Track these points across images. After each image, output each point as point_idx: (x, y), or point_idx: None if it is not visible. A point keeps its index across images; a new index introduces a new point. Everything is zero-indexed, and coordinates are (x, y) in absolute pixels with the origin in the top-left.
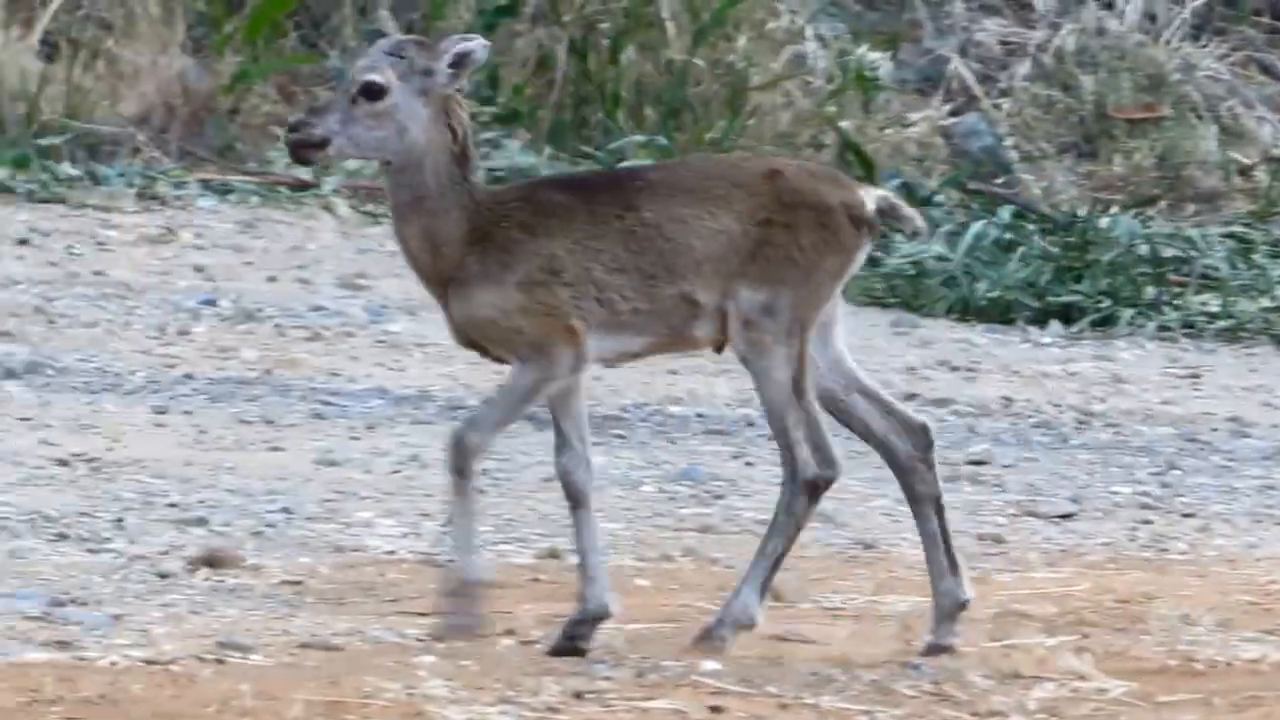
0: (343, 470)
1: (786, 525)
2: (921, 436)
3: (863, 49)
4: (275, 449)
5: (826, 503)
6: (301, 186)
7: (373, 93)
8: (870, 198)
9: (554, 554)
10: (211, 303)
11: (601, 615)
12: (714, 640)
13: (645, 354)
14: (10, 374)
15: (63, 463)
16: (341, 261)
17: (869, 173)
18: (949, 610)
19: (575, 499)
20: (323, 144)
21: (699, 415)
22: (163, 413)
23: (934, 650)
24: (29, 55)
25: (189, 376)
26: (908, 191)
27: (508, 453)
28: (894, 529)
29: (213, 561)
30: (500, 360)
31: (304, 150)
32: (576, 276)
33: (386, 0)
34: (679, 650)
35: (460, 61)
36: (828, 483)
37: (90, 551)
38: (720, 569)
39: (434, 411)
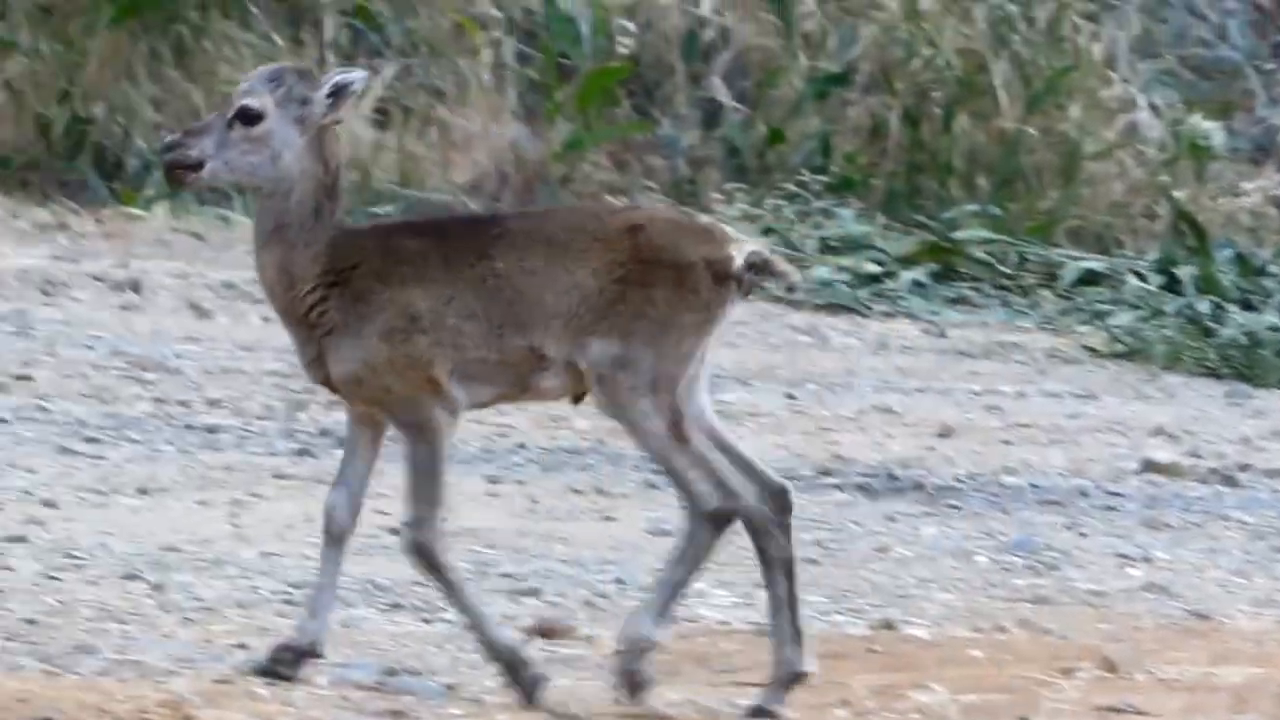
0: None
1: (692, 556)
2: (780, 499)
3: (1196, 118)
4: (608, 518)
5: (1160, 573)
6: None
7: (249, 118)
8: (739, 253)
9: (888, 625)
10: None
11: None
12: (624, 673)
13: (492, 404)
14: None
15: (396, 532)
16: None
17: (1201, 242)
18: (783, 679)
19: (332, 537)
20: (197, 166)
21: (1033, 485)
22: (496, 482)
23: (757, 713)
24: (362, 123)
25: (522, 446)
26: (1241, 261)
27: (839, 523)
28: (1229, 599)
29: (546, 632)
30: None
31: (179, 171)
32: (432, 323)
33: (718, 68)
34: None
35: (338, 92)
36: (731, 513)
37: (424, 621)
38: (1054, 640)
39: None
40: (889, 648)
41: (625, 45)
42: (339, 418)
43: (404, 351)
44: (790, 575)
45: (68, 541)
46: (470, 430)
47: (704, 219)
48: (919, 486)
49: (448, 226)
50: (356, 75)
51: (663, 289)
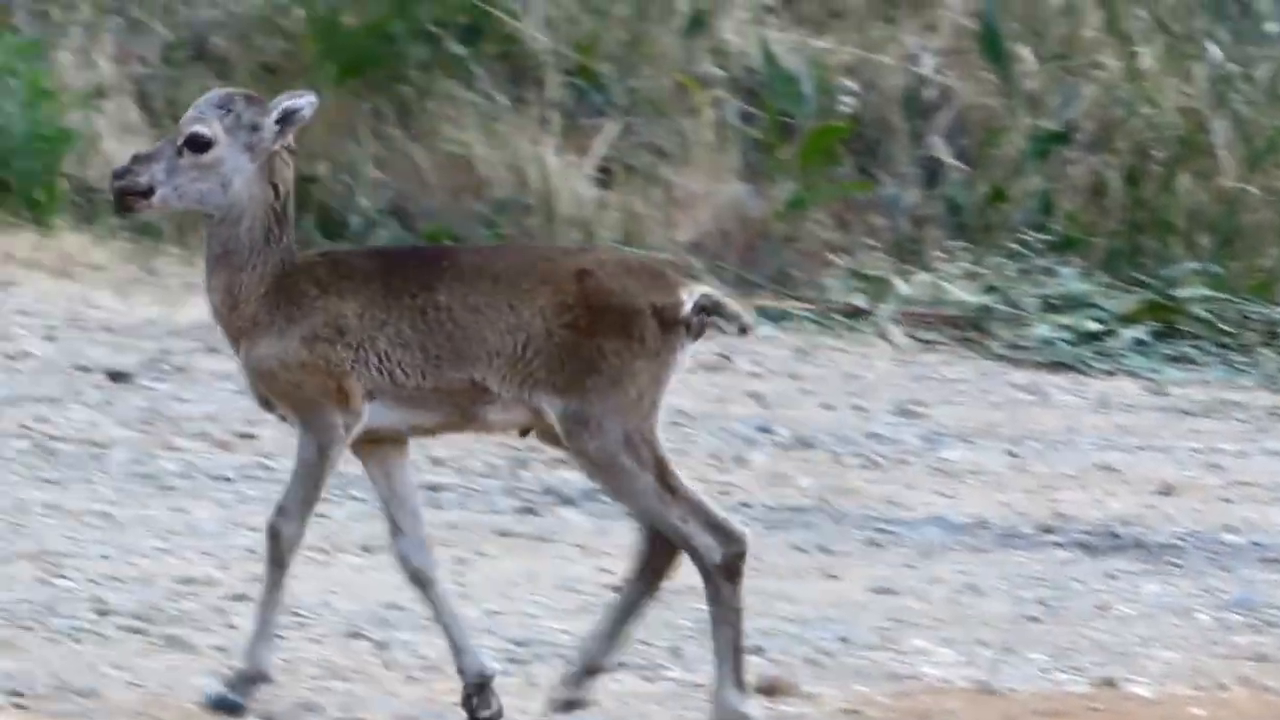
0: (898, 598)
1: (725, 615)
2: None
3: None
4: (831, 577)
5: None
6: (856, 313)
7: (199, 144)
8: (688, 296)
9: (1110, 683)
10: (767, 430)
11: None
12: None
13: (439, 431)
14: (568, 501)
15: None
16: (896, 388)
17: None
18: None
19: (418, 582)
20: (148, 193)
21: (1254, 543)
22: None
23: None
24: (584, 181)
25: (745, 504)
26: None
27: (1060, 581)
28: None
29: (770, 689)
30: (285, 419)
31: (129, 198)
32: (359, 341)
33: (939, 126)
34: None
35: (287, 118)
36: (738, 557)
37: (646, 679)
38: (1275, 698)
39: (990, 540)
40: (1111, 706)
41: (846, 104)
42: (563, 475)
43: (322, 356)
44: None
45: (291, 599)
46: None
47: (657, 261)
48: (1140, 544)
49: (398, 255)
50: (304, 101)
51: (612, 339)
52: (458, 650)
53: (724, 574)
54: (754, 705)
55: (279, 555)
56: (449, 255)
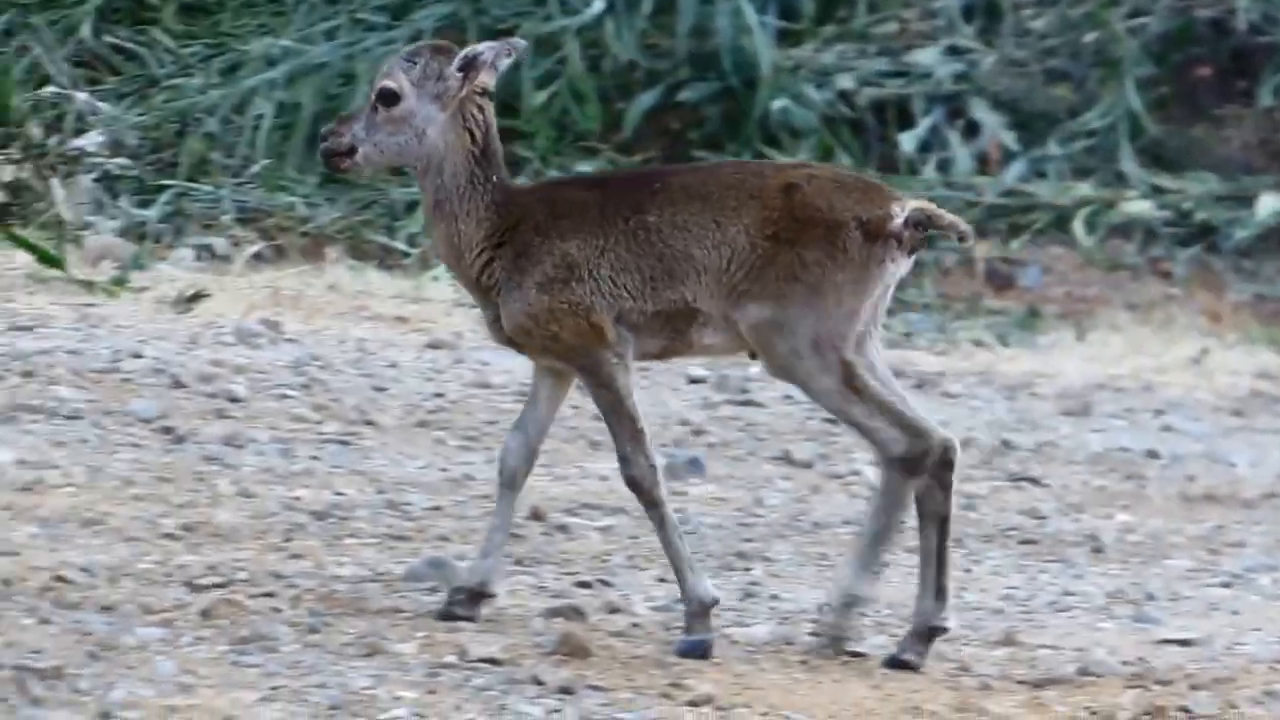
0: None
1: (888, 505)
2: (944, 455)
3: None
4: None
5: None
6: None
7: (389, 99)
8: (901, 210)
9: None
10: None
11: (481, 592)
12: (909, 654)
13: (661, 357)
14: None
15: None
16: None
17: None
18: (920, 632)
19: (507, 483)
20: (350, 151)
21: None
22: None
23: (893, 663)
24: None
25: None
26: None
27: None
28: None
29: None
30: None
31: (335, 159)
32: (589, 274)
33: None
34: None
35: (469, 64)
36: (923, 453)
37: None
38: None
39: None
40: None
41: None
42: None
43: (562, 299)
44: (943, 531)
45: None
46: None
47: (870, 178)
48: None
49: (609, 181)
50: (485, 47)
51: (813, 249)
52: (486, 552)
53: (903, 467)
54: (947, 616)
55: (650, 499)
56: (658, 177)
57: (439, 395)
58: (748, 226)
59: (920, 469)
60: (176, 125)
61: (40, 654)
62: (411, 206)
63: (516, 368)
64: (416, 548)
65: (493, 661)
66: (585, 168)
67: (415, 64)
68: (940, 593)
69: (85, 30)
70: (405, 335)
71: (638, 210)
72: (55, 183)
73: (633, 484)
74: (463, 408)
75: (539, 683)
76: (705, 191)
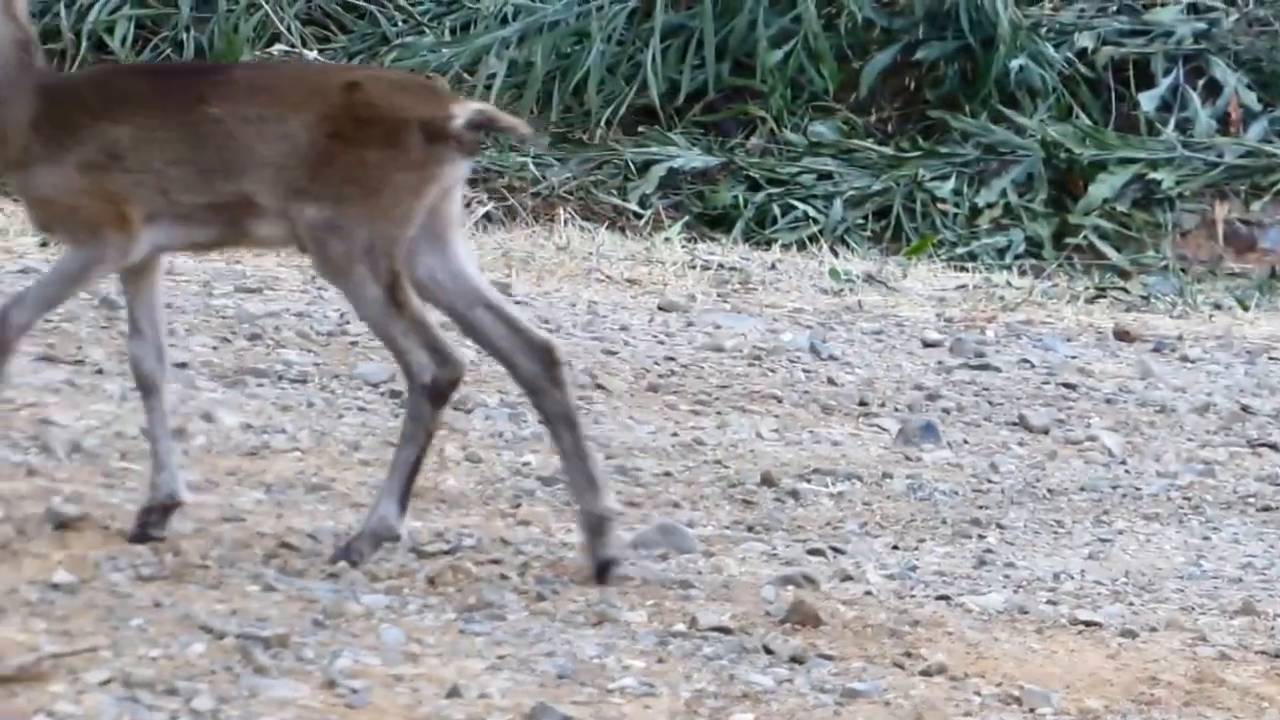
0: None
1: (416, 432)
2: (545, 354)
3: None
4: None
5: None
6: None
7: None
8: (462, 112)
9: None
10: None
11: (170, 503)
12: (352, 554)
13: (211, 247)
14: None
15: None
16: None
17: None
18: (593, 525)
19: (145, 387)
20: None
21: None
22: None
23: (603, 570)
24: None
25: None
26: None
27: None
28: None
29: None
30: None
31: None
32: (137, 164)
33: None
34: None
35: None
36: (450, 383)
37: None
38: None
39: None
40: None
41: None
42: None
43: (99, 183)
44: (573, 426)
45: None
46: None
47: (430, 79)
48: None
49: (168, 71)
50: None
51: (374, 149)
52: (157, 465)
53: (429, 394)
54: (402, 527)
55: (4, 339)
56: (220, 70)
57: (670, 359)
58: (308, 122)
59: (445, 399)
60: None
61: (265, 622)
62: (645, 168)
63: (749, 331)
64: (646, 514)
65: (723, 630)
66: (820, 128)
67: None
68: (594, 483)
69: None
70: (636, 298)
71: (200, 100)
72: None
73: (4, 321)
74: (694, 371)
75: (769, 651)
76: (267, 85)
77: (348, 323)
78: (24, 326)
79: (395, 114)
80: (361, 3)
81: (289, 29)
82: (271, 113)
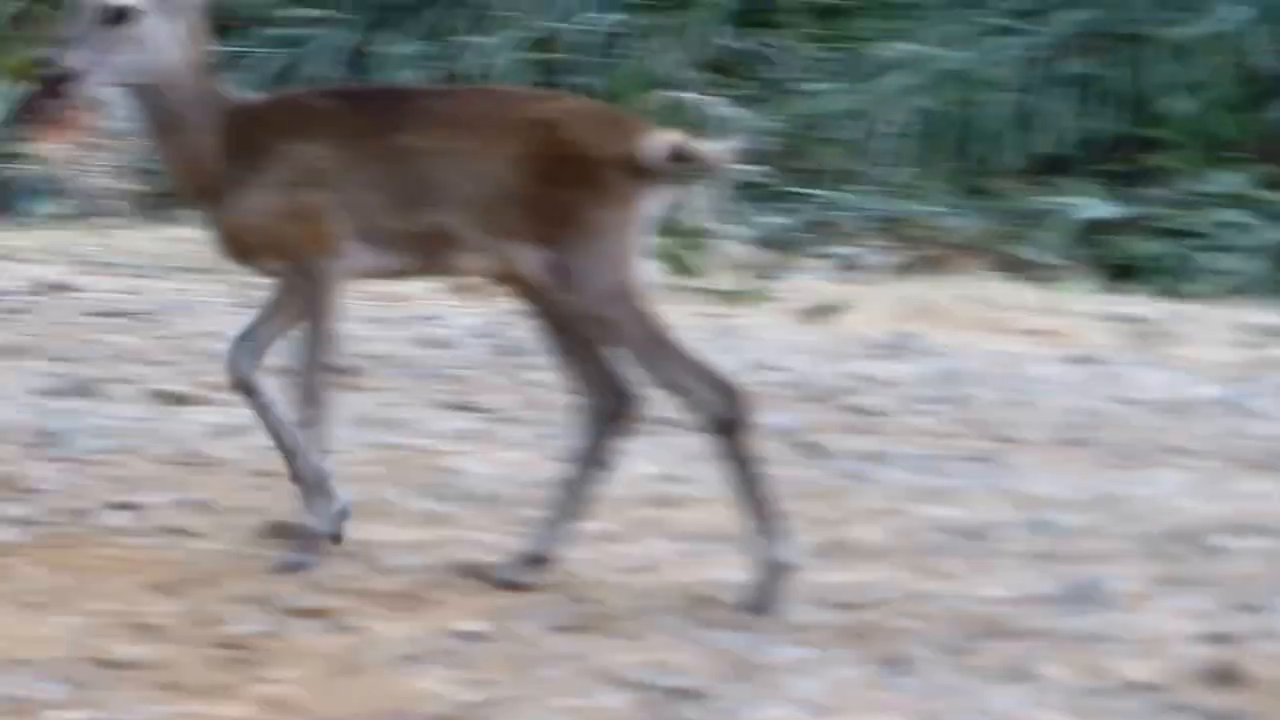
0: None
1: (735, 469)
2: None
3: None
4: None
5: None
6: None
7: (122, 17)
8: (657, 144)
9: None
10: None
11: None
12: (762, 602)
13: (407, 274)
14: None
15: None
16: None
17: None
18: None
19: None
20: (74, 77)
21: None
22: None
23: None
24: None
25: None
26: None
27: None
28: None
29: None
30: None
31: (55, 86)
32: (336, 182)
33: None
34: None
35: None
36: (739, 414)
37: None
38: None
39: None
40: None
41: None
42: None
43: (299, 202)
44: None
45: None
46: None
47: (623, 111)
48: None
49: (360, 95)
50: None
51: (573, 189)
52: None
53: (721, 429)
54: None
55: (244, 382)
56: (414, 95)
57: (1084, 410)
58: (505, 159)
59: (738, 430)
60: (803, 131)
61: (680, 673)
62: (1050, 216)
63: (1164, 383)
64: (1065, 570)
65: (1147, 686)
66: (1231, 177)
67: None
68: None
69: (716, 34)
70: (1047, 348)
71: (394, 128)
72: (697, 189)
73: (233, 366)
74: (1110, 422)
75: (1192, 710)
76: (461, 117)
77: (756, 371)
78: (253, 368)
79: (595, 151)
80: (757, 49)
81: (682, 75)
82: (467, 146)
